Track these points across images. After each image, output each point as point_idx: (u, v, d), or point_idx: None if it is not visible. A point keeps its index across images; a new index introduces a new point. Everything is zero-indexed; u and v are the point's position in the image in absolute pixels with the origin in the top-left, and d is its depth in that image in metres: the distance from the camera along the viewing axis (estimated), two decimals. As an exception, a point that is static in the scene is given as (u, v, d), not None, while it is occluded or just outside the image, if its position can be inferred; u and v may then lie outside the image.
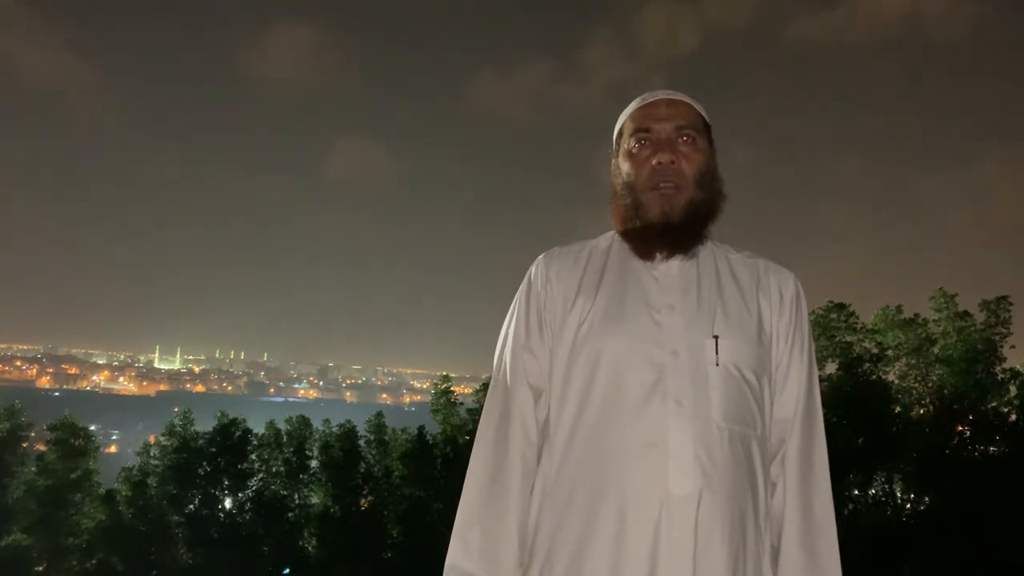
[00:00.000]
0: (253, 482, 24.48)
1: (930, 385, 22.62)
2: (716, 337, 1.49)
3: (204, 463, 24.12)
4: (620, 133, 1.64)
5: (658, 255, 1.55)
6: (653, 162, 1.54)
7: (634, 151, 1.58)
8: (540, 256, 1.66)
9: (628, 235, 1.59)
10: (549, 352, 1.58)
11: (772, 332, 1.56)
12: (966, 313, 22.26)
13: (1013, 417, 21.81)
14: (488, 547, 1.47)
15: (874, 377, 22.26)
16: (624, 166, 1.59)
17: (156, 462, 24.23)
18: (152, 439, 25.66)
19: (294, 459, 24.60)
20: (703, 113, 1.63)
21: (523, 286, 1.64)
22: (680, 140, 1.56)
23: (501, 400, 1.57)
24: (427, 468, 24.15)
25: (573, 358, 1.53)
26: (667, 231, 1.53)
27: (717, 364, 1.47)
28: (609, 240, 1.65)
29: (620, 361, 1.48)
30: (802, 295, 1.61)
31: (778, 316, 1.57)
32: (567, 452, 1.49)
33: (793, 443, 1.54)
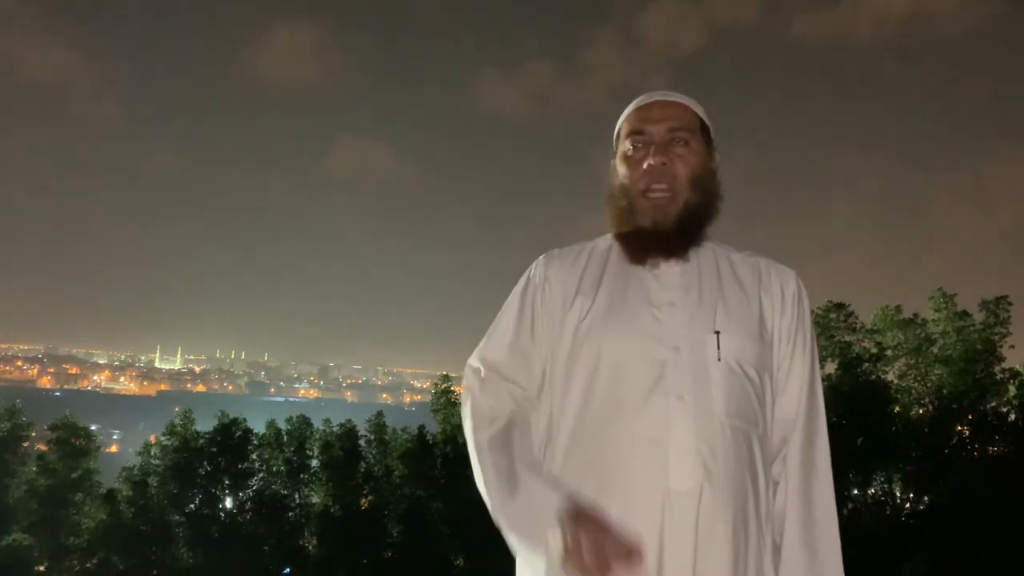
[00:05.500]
0: (253, 482, 24.42)
1: (929, 385, 22.62)
2: (717, 333, 1.49)
3: (205, 463, 24.07)
4: (617, 135, 1.66)
5: (650, 261, 1.56)
6: (645, 164, 1.55)
7: (629, 153, 1.59)
8: (540, 257, 1.68)
9: (622, 238, 1.60)
10: (541, 351, 1.58)
11: (774, 330, 1.56)
12: (965, 313, 22.26)
13: (1012, 417, 21.80)
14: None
15: (873, 377, 22.25)
16: (620, 168, 1.60)
17: (157, 462, 24.18)
18: (153, 439, 25.58)
19: (294, 459, 24.57)
20: (700, 114, 1.62)
21: (520, 284, 1.66)
22: (674, 142, 1.56)
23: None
24: (427, 468, 24.14)
25: (573, 356, 1.53)
26: (659, 238, 1.54)
27: (719, 359, 1.47)
28: (609, 241, 1.66)
29: (621, 358, 1.49)
30: (804, 293, 1.61)
31: (780, 314, 1.57)
32: (570, 449, 1.50)
33: (795, 442, 1.55)
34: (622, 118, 1.65)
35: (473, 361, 1.62)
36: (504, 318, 1.64)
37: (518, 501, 1.42)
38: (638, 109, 1.62)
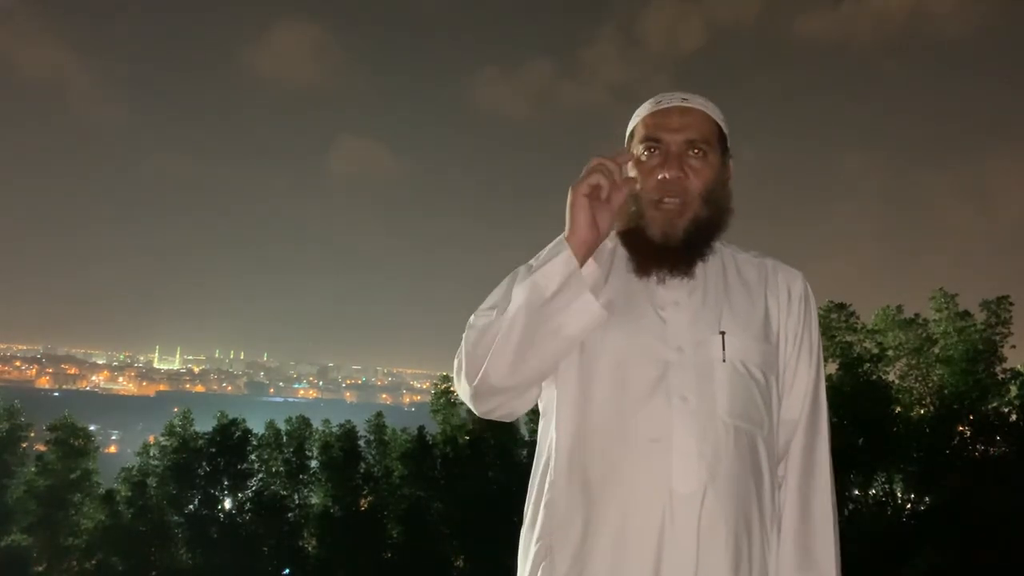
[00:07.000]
0: (253, 482, 24.47)
1: (930, 385, 22.62)
2: (723, 333, 1.47)
3: (204, 463, 24.11)
4: (631, 135, 1.61)
5: (655, 274, 1.51)
6: (659, 176, 1.50)
7: (643, 159, 1.54)
8: None
9: (628, 245, 1.56)
10: None
11: (780, 331, 1.55)
12: (966, 313, 22.26)
13: (1013, 417, 21.82)
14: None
15: (874, 377, 22.26)
16: (631, 173, 1.55)
17: (156, 462, 24.21)
18: (152, 439, 25.62)
19: (294, 459, 24.59)
20: (719, 121, 1.57)
21: (519, 271, 1.55)
22: (690, 154, 1.52)
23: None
24: (427, 468, 24.16)
25: (576, 352, 1.50)
26: (666, 253, 1.50)
27: (724, 360, 1.46)
28: (615, 241, 1.62)
29: (624, 357, 1.47)
30: (811, 294, 1.60)
31: (786, 315, 1.56)
32: (572, 449, 1.48)
33: (797, 444, 1.55)
34: (638, 117, 1.59)
35: (472, 319, 1.54)
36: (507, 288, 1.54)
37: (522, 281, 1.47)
38: (655, 112, 1.56)
